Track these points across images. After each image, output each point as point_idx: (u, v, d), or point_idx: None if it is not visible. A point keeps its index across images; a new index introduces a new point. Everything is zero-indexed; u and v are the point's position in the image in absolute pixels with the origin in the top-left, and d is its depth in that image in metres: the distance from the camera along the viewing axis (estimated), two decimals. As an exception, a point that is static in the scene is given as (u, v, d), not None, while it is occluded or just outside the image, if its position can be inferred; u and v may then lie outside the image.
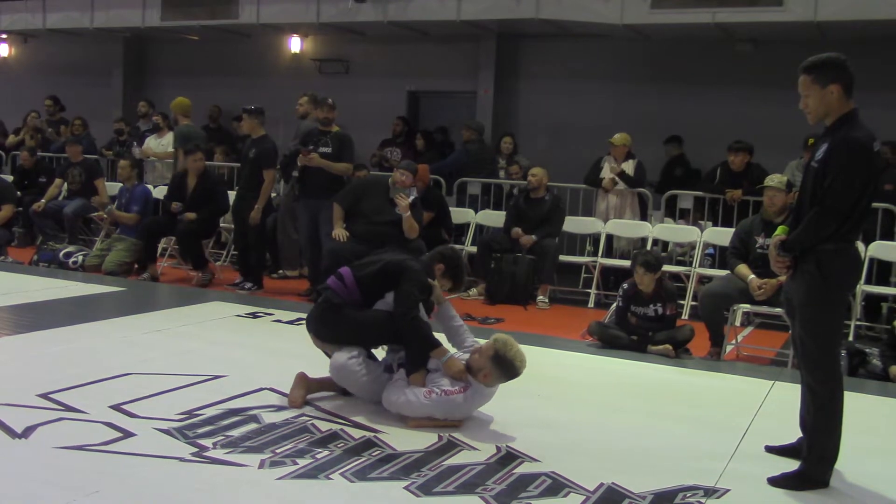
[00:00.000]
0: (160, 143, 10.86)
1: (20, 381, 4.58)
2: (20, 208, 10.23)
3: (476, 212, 9.52)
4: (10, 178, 11.03)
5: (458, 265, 4.80)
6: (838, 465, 3.71)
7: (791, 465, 3.81)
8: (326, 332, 4.61)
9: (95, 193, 9.90)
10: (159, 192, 10.45)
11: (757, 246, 6.26)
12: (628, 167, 8.78)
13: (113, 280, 8.16)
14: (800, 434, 3.89)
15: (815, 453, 3.66)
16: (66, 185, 10.34)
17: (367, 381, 4.41)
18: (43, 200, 10.14)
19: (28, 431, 3.80)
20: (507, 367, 4.20)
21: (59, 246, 9.19)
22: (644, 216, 8.98)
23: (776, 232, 3.77)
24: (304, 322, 6.47)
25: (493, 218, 9.24)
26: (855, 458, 3.83)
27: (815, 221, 3.56)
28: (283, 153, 8.66)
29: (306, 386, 4.54)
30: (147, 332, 5.97)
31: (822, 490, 3.61)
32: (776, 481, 3.66)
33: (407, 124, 11.58)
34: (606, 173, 8.84)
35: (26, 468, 3.44)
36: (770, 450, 4.03)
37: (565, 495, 3.43)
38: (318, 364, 5.26)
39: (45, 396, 4.30)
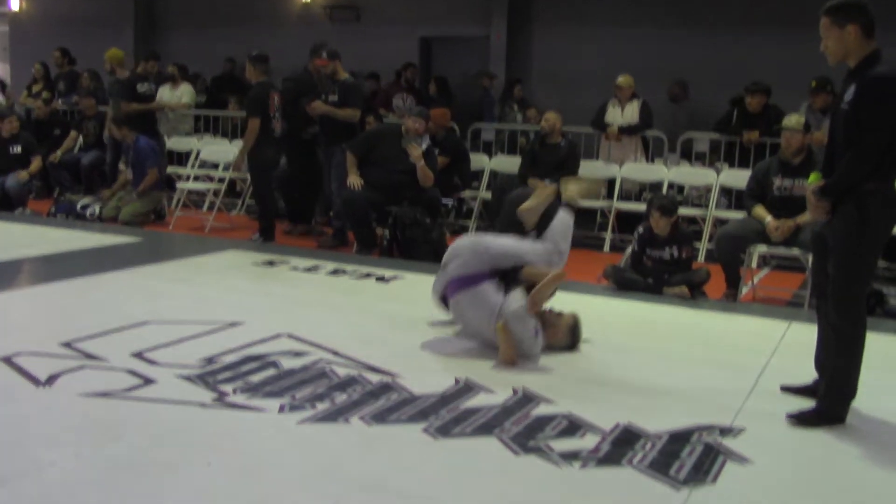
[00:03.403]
0: (175, 95, 10.84)
1: (42, 330, 4.65)
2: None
3: (490, 158, 9.48)
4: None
5: None
6: (855, 403, 3.72)
7: (808, 404, 3.83)
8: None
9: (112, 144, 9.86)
10: (174, 144, 10.50)
11: (774, 187, 6.21)
12: (633, 108, 8.70)
13: (130, 230, 8.20)
14: (815, 374, 3.92)
15: (833, 391, 3.67)
16: (81, 137, 10.36)
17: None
18: (59, 152, 10.17)
19: (51, 380, 3.86)
20: (573, 339, 4.62)
21: (75, 198, 9.23)
22: (650, 157, 8.91)
23: (810, 179, 3.74)
24: (319, 269, 6.54)
25: (508, 164, 9.20)
26: (871, 396, 3.83)
27: (853, 163, 3.53)
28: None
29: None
30: (165, 280, 6.02)
31: (838, 426, 3.64)
32: (794, 417, 3.69)
33: (417, 70, 11.48)
34: (612, 118, 8.76)
35: (51, 415, 3.50)
36: (786, 389, 4.05)
37: (582, 435, 3.47)
38: (334, 310, 5.31)
39: (67, 345, 4.36)
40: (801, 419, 3.68)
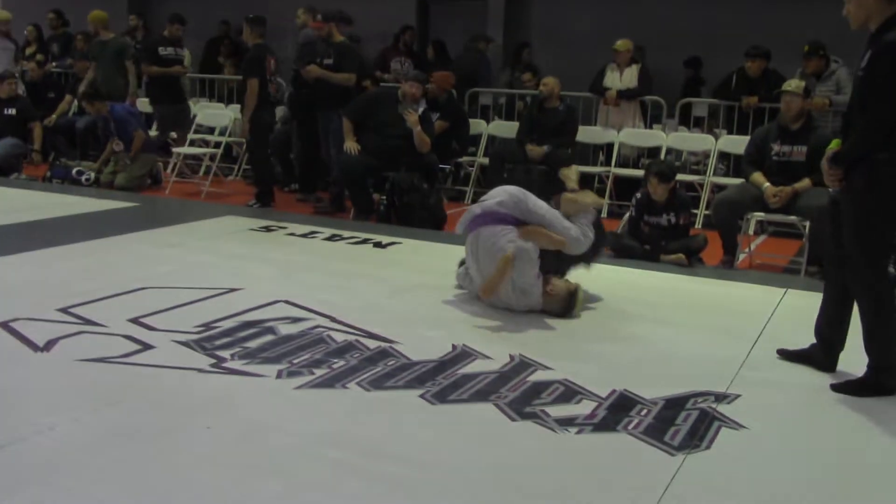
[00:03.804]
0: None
1: (39, 295, 4.65)
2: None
3: (488, 122, 9.43)
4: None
5: None
6: (849, 369, 3.76)
7: (803, 370, 3.86)
8: None
9: None
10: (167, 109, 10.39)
11: (773, 153, 6.19)
12: (632, 73, 8.64)
13: (126, 196, 8.17)
14: (813, 340, 3.93)
15: (873, 362, 3.67)
16: (76, 101, 10.28)
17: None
18: (53, 116, 10.11)
19: (49, 345, 3.87)
20: (567, 306, 4.65)
21: (71, 163, 9.18)
22: (647, 123, 8.87)
23: (829, 146, 3.72)
24: (316, 235, 6.53)
25: (506, 128, 9.15)
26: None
27: (864, 131, 3.51)
28: (293, 67, 8.55)
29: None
30: (162, 246, 6.01)
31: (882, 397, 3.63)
32: (838, 387, 3.69)
33: (414, 33, 11.36)
34: (611, 82, 8.71)
35: (49, 380, 3.51)
36: (782, 353, 4.07)
37: (578, 402, 3.48)
38: (332, 276, 5.31)
39: (64, 311, 4.36)
40: (846, 388, 3.68)
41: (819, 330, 3.91)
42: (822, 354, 3.92)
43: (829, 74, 7.76)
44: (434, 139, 7.63)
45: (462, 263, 5.05)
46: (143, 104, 10.00)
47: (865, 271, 3.60)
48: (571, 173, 5.20)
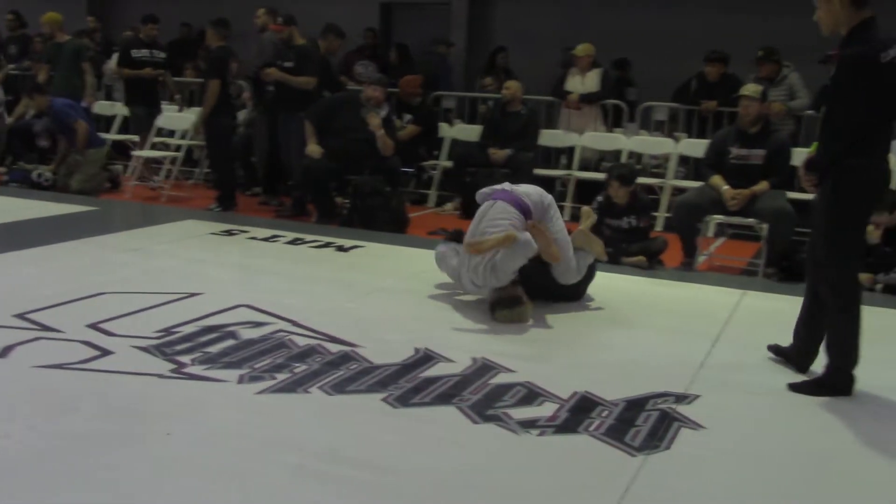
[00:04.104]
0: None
1: (-5, 301, 4.57)
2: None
3: (450, 126, 9.45)
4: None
5: None
6: (813, 369, 3.81)
7: (761, 370, 3.91)
8: None
9: None
10: (123, 109, 10.28)
11: (731, 157, 6.28)
12: (593, 77, 8.70)
13: (85, 200, 8.06)
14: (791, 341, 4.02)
15: (833, 363, 3.73)
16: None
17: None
18: (11, 119, 9.94)
19: (6, 351, 3.80)
20: (504, 306, 4.59)
21: (29, 167, 9.03)
22: (608, 126, 8.94)
23: (809, 149, 3.81)
24: (278, 239, 6.50)
25: (468, 132, 9.18)
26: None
27: (826, 139, 3.60)
28: (253, 69, 8.51)
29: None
30: (122, 250, 5.94)
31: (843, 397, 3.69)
32: (797, 387, 3.76)
33: (377, 37, 11.35)
34: (572, 86, 8.77)
35: (5, 387, 3.45)
36: (772, 349, 4.13)
37: (540, 404, 3.50)
38: (294, 280, 5.29)
39: (21, 316, 4.29)
40: (805, 388, 3.75)
41: (797, 330, 3.98)
42: (795, 355, 3.99)
43: (782, 79, 7.96)
44: (404, 143, 7.63)
45: (448, 239, 5.17)
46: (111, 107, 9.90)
47: (834, 272, 3.66)
48: (591, 215, 5.36)
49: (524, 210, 4.75)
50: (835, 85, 3.58)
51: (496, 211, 4.73)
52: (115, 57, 10.60)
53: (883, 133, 3.63)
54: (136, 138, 9.79)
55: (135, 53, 9.16)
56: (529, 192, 4.90)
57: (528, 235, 4.53)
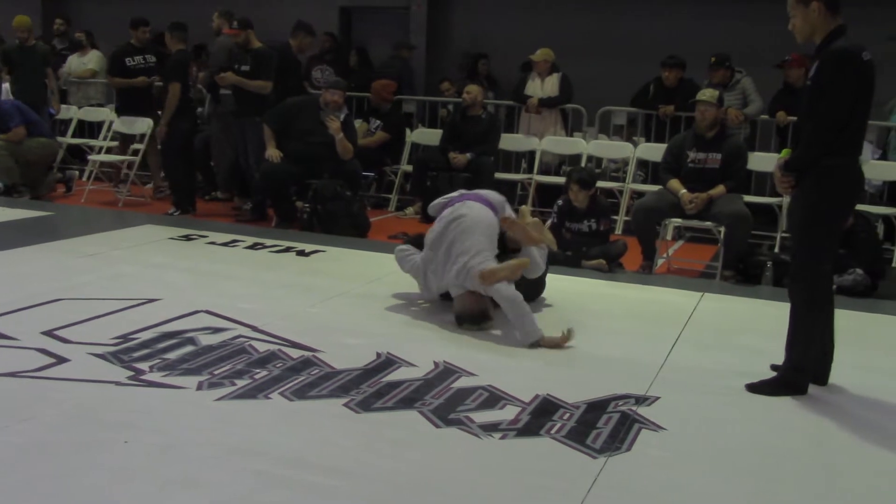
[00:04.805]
0: (82, 63, 10.47)
1: (-53, 309, 4.48)
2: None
3: (412, 130, 9.44)
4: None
5: None
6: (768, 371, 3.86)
7: (720, 372, 3.96)
8: None
9: None
10: (84, 114, 10.15)
11: (689, 161, 6.35)
12: (553, 81, 8.74)
13: (40, 205, 7.93)
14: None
15: (792, 362, 3.78)
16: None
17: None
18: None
19: (-42, 360, 3.73)
20: (469, 315, 4.56)
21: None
22: (569, 132, 8.99)
23: (781, 154, 3.84)
24: (238, 244, 6.45)
25: (429, 136, 9.17)
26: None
27: (810, 138, 3.63)
28: (210, 72, 8.44)
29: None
30: (78, 256, 5.85)
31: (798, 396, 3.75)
32: (754, 387, 3.80)
33: (336, 41, 11.30)
34: (532, 91, 8.80)
35: (-42, 396, 3.38)
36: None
37: (502, 407, 3.51)
38: (253, 285, 5.25)
39: (-27, 324, 4.22)
40: (762, 388, 3.79)
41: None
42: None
43: (735, 84, 8.10)
44: (371, 149, 7.59)
45: (407, 241, 5.16)
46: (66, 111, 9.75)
47: (805, 271, 3.71)
48: (527, 211, 5.33)
49: (492, 207, 4.80)
50: (817, 82, 3.62)
51: (467, 221, 4.66)
52: (70, 59, 10.46)
53: (858, 133, 3.69)
54: (92, 142, 9.63)
55: (129, 62, 8.84)
56: (487, 192, 5.02)
57: (535, 257, 4.76)
